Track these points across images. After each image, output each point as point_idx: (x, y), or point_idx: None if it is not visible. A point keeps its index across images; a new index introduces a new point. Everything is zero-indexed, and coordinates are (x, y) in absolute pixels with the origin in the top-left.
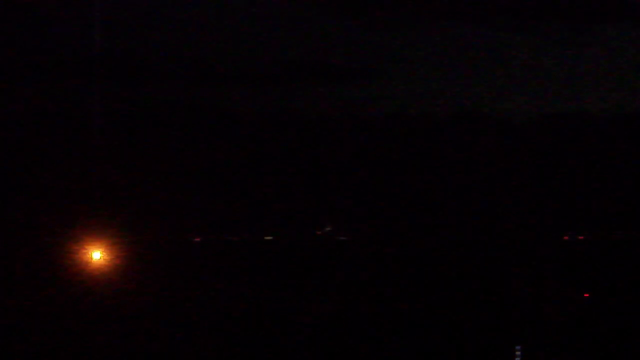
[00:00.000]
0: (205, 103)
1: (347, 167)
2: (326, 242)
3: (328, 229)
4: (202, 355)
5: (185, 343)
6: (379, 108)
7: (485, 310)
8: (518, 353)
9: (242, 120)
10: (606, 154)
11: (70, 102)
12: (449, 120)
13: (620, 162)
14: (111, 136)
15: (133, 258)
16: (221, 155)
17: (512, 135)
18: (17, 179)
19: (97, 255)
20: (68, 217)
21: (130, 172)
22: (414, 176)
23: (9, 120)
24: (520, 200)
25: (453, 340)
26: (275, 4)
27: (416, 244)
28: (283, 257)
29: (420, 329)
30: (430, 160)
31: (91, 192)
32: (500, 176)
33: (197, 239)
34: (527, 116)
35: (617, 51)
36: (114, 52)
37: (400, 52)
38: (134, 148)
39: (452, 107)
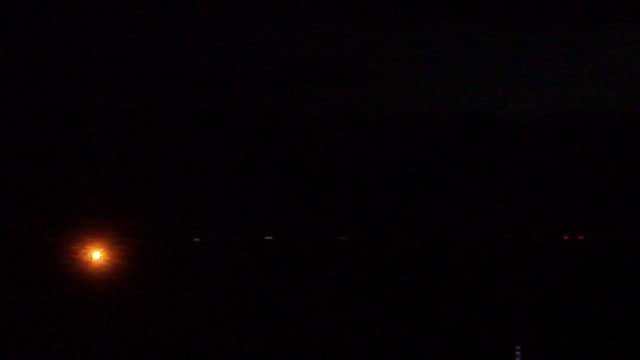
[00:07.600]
0: (205, 103)
1: (347, 166)
2: (326, 242)
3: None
4: (202, 354)
5: (185, 343)
6: (379, 108)
7: (485, 310)
8: (518, 353)
9: (242, 120)
10: (606, 154)
11: (70, 102)
12: (449, 120)
13: (620, 162)
14: (111, 136)
15: (133, 258)
16: (221, 155)
17: (512, 135)
18: (17, 179)
19: (97, 255)
20: (68, 217)
21: (131, 173)
22: (414, 176)
23: (9, 121)
24: (521, 200)
25: (453, 340)
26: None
27: (416, 244)
28: (283, 257)
29: (420, 328)
30: (431, 160)
31: (91, 192)
32: (500, 176)
33: (197, 239)
34: (528, 116)
35: (617, 51)
36: (114, 52)
37: (401, 52)
38: (134, 148)
39: (453, 107)
